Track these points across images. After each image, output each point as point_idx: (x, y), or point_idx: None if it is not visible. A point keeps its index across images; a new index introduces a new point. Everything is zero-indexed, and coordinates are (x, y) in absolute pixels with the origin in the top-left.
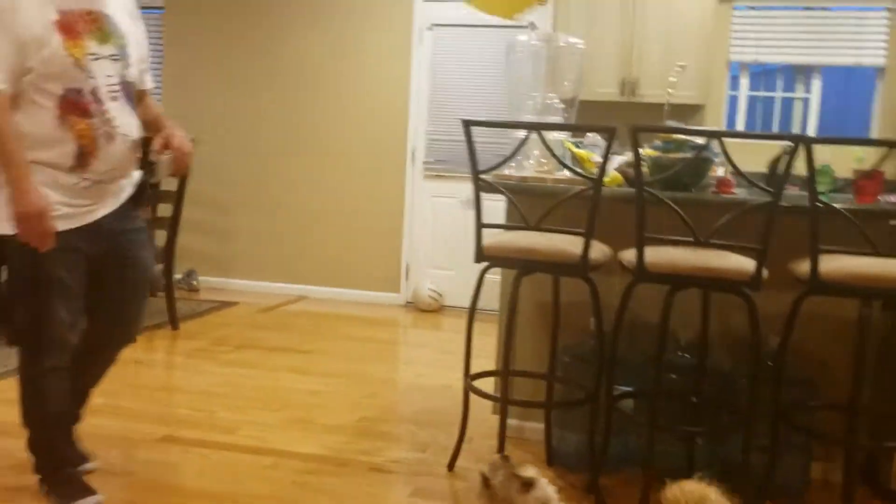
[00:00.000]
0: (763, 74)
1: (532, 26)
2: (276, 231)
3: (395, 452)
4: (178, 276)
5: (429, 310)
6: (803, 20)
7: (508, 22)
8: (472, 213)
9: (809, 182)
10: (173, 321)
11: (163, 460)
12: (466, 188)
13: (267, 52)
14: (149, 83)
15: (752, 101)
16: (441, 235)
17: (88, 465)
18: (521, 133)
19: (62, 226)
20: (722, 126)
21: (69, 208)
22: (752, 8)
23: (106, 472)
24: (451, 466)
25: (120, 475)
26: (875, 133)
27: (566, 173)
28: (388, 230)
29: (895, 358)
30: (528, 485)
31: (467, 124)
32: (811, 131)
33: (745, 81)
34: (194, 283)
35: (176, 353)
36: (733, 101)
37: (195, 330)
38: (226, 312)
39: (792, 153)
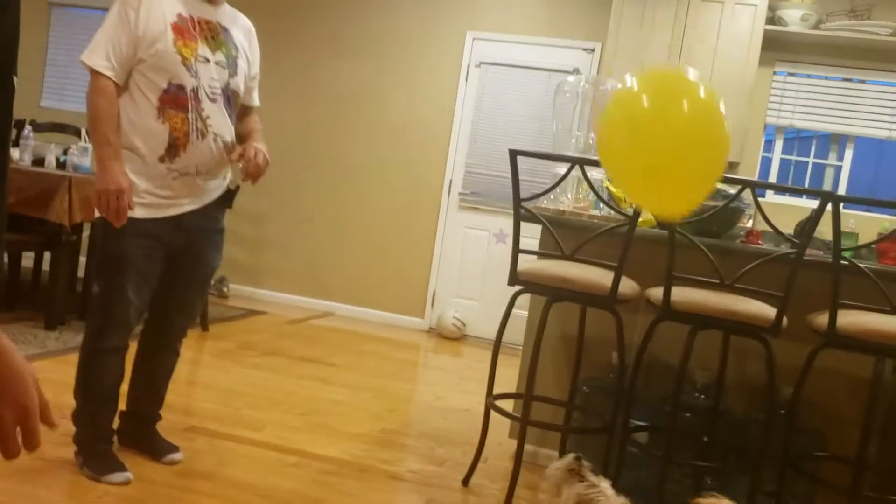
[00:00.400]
0: (797, 139)
1: (576, 72)
2: (308, 246)
3: (412, 464)
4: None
5: (451, 337)
6: (840, 90)
7: (552, 65)
8: (502, 246)
9: (834, 237)
10: (203, 323)
11: (189, 447)
12: (498, 221)
13: (319, 71)
14: (256, 101)
15: (785, 164)
16: (469, 266)
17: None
18: (561, 169)
19: (146, 214)
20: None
21: (154, 198)
22: (792, 74)
23: (133, 454)
24: (466, 482)
25: (147, 457)
26: None
27: (601, 211)
28: (418, 256)
29: None
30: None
31: (514, 154)
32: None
33: (779, 144)
34: (225, 289)
35: (204, 352)
36: (766, 163)
37: (224, 333)
38: (254, 320)
39: (820, 210)
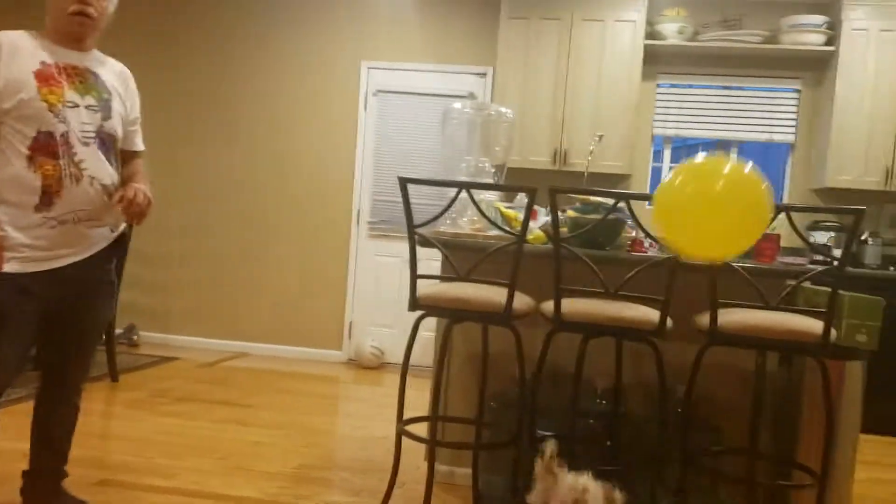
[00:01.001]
0: (684, 148)
1: (471, 96)
2: (218, 288)
3: (329, 497)
4: (118, 330)
5: (370, 366)
6: (721, 98)
7: (447, 90)
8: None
9: None
10: (113, 374)
11: (100, 501)
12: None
13: (213, 107)
14: (139, 145)
15: None
16: (383, 293)
17: None
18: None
19: (19, 268)
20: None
21: (31, 251)
22: (674, 85)
23: None
24: None
25: None
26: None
27: (497, 231)
28: (332, 288)
29: (792, 406)
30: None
31: (403, 181)
32: None
33: (667, 154)
34: (135, 337)
35: (115, 404)
36: (657, 173)
37: (135, 382)
38: (166, 367)
39: None
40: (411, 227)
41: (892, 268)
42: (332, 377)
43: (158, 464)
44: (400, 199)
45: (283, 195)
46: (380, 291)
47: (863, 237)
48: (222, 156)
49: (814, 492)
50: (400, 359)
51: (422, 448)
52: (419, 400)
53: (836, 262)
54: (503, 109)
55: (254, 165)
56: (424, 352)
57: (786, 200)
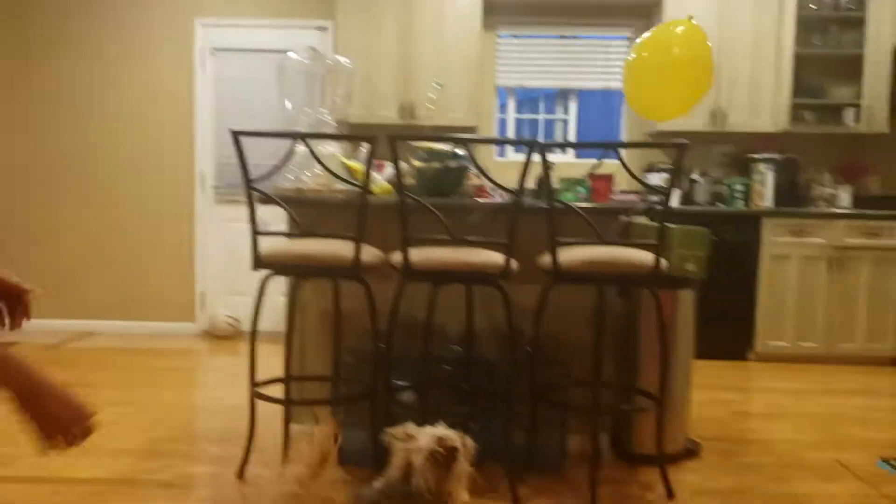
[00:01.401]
0: (527, 99)
1: (312, 50)
2: (58, 264)
3: (184, 468)
4: None
5: (226, 336)
6: (559, 48)
7: (287, 46)
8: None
9: (546, 181)
10: None
11: None
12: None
13: (42, 72)
14: None
15: (520, 123)
16: (235, 260)
17: None
18: (300, 147)
19: None
20: (492, 147)
21: None
22: (515, 36)
23: None
24: (240, 475)
25: None
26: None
27: (342, 185)
28: (179, 258)
29: (632, 337)
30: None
31: (235, 134)
32: (570, 150)
33: (511, 105)
34: None
35: None
36: (502, 124)
37: None
38: None
39: (528, 157)
40: (248, 182)
41: (719, 204)
42: (185, 350)
43: None
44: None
45: (119, 162)
46: (231, 259)
47: (693, 177)
48: (52, 121)
49: (654, 413)
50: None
51: (282, 412)
52: (279, 365)
53: (662, 194)
54: (341, 59)
55: (85, 131)
56: (282, 317)
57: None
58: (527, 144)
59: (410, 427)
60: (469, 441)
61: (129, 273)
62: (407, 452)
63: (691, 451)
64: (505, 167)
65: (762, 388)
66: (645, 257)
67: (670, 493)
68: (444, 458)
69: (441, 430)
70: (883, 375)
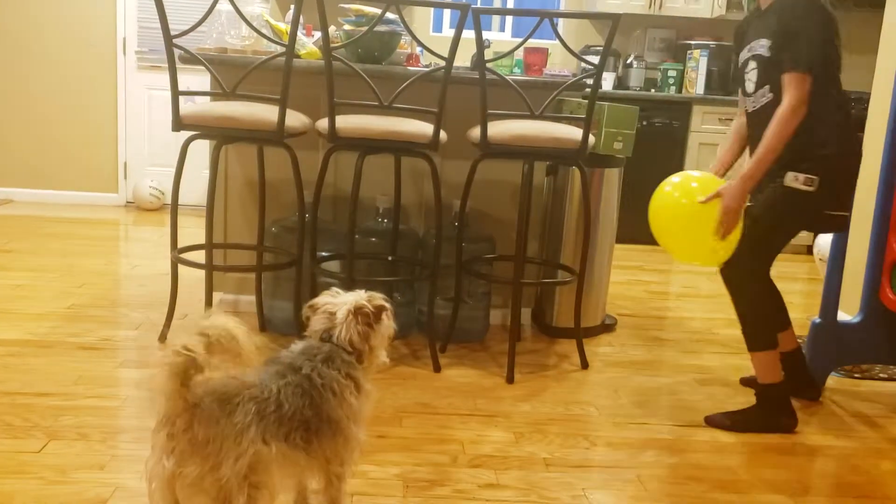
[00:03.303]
0: None
1: None
2: None
3: (105, 332)
4: None
5: (151, 208)
6: None
7: None
8: (192, 105)
9: (478, 50)
10: None
11: None
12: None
13: None
14: None
15: None
16: (160, 130)
17: None
18: (224, 6)
19: None
20: (429, 21)
21: None
22: None
23: None
24: (162, 338)
25: None
26: (561, 26)
27: (271, 47)
28: (101, 126)
29: (557, 214)
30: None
31: None
32: (507, 28)
33: None
34: None
35: None
36: None
37: None
38: None
39: (461, 22)
40: (168, 38)
41: (653, 89)
42: (108, 220)
43: None
44: (172, 26)
45: (31, 25)
46: (155, 129)
47: (628, 61)
48: None
49: (574, 288)
50: (184, 199)
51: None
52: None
53: (594, 68)
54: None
55: None
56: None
57: (560, 26)
58: (461, 9)
59: (335, 290)
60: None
61: (49, 140)
62: (331, 307)
63: (608, 326)
64: (440, 42)
65: (681, 270)
66: (575, 133)
67: (585, 364)
68: (370, 314)
69: (367, 293)
70: (798, 262)
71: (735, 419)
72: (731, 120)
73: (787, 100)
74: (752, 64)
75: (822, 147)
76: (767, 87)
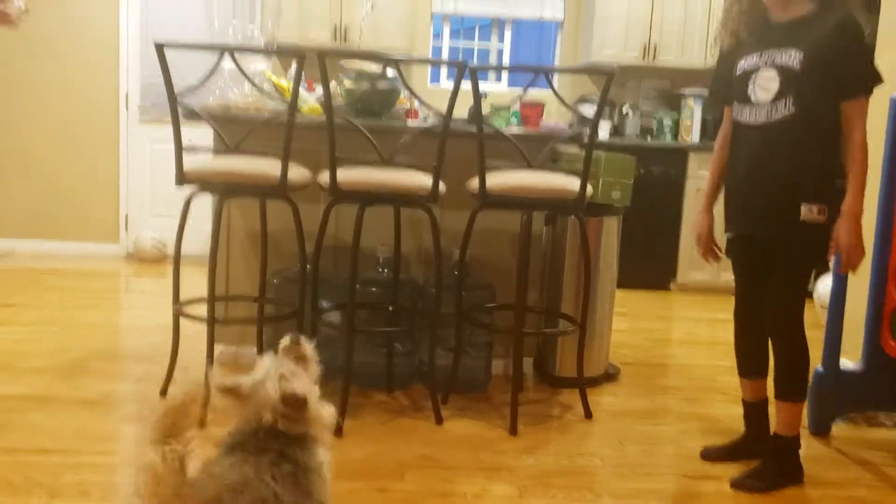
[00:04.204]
0: (462, 28)
1: None
2: None
3: (105, 386)
4: None
5: (152, 259)
6: None
7: None
8: (193, 158)
9: (475, 104)
10: None
11: None
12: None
13: None
14: None
15: (454, 51)
16: (162, 182)
17: None
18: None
19: None
20: (426, 75)
21: None
22: None
23: None
24: (163, 392)
25: None
26: (556, 78)
27: (273, 103)
28: (103, 179)
29: (557, 263)
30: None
31: (160, 46)
32: (503, 80)
33: (446, 32)
34: None
35: None
36: (437, 51)
37: None
38: None
39: (458, 79)
40: (172, 96)
41: (649, 137)
42: (109, 272)
43: None
44: (174, 81)
45: (42, 79)
46: (157, 181)
47: (624, 111)
48: None
49: (576, 337)
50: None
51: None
52: (205, 288)
53: (590, 121)
54: None
55: (6, 47)
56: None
57: (555, 77)
58: (457, 66)
59: (240, 378)
60: (310, 350)
61: (51, 192)
62: (254, 410)
63: (611, 375)
64: (437, 95)
65: (682, 317)
66: (571, 184)
67: (588, 414)
68: (292, 411)
69: (277, 367)
70: None
71: (763, 480)
72: None
73: (860, 128)
74: (770, 73)
75: (829, 175)
76: (790, 99)
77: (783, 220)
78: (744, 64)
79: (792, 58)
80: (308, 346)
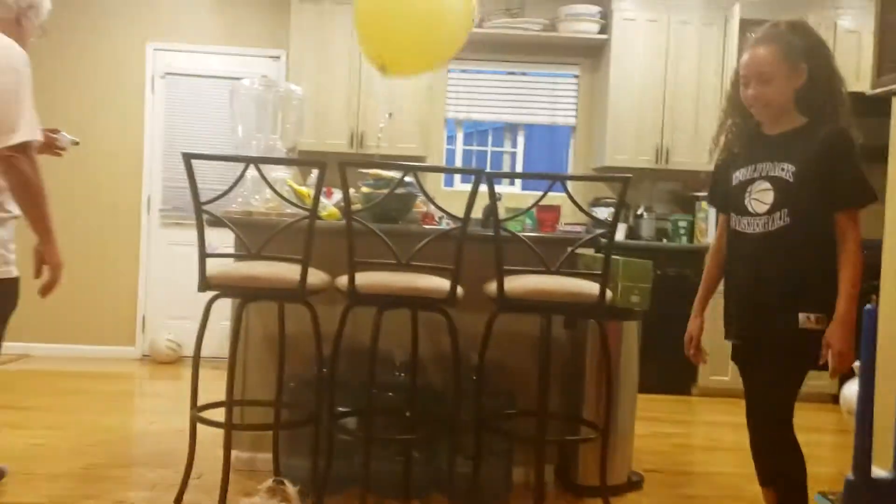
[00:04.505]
0: (475, 132)
1: (264, 77)
2: None
3: (120, 494)
4: None
5: (167, 361)
6: (507, 83)
7: (240, 73)
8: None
9: (493, 209)
10: None
11: None
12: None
13: None
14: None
15: (468, 155)
16: (180, 284)
17: None
18: (250, 172)
19: None
20: (441, 177)
21: None
22: (464, 70)
23: None
24: (178, 500)
25: None
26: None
27: (291, 209)
28: (122, 280)
29: (577, 367)
30: None
31: (187, 157)
32: (517, 182)
33: (460, 137)
34: None
35: None
36: (451, 155)
37: None
38: None
39: (475, 185)
40: (198, 204)
41: (664, 239)
42: (124, 374)
43: None
44: None
45: (64, 182)
46: (175, 283)
47: (639, 212)
48: None
49: (598, 444)
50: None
51: (220, 437)
52: (221, 390)
53: (607, 226)
54: (293, 87)
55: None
56: (227, 341)
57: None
58: (474, 173)
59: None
60: (293, 491)
61: (68, 296)
62: None
63: (634, 483)
64: (452, 197)
65: (704, 421)
66: (590, 288)
67: None
68: None
69: None
70: (823, 412)
71: None
72: None
73: (853, 238)
74: (765, 185)
75: (828, 283)
76: (786, 210)
77: (781, 328)
78: (739, 175)
79: (785, 171)
80: (291, 488)
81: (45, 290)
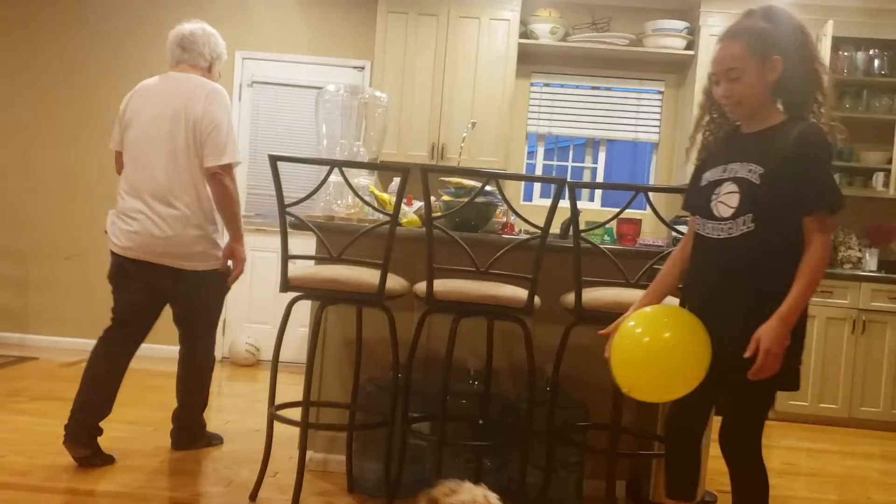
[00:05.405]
0: (556, 147)
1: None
2: (78, 283)
3: (198, 487)
4: None
5: (246, 364)
6: (591, 98)
7: (325, 83)
8: (292, 266)
9: (573, 219)
10: None
11: None
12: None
13: (69, 102)
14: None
15: (548, 169)
16: (260, 289)
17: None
18: (333, 177)
19: None
20: (520, 191)
21: None
22: (547, 84)
23: None
24: (253, 497)
25: None
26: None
27: (374, 215)
28: None
29: None
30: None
31: (273, 159)
32: (596, 198)
33: (540, 151)
34: None
35: None
36: (531, 169)
37: None
38: (23, 367)
39: (557, 194)
40: (282, 206)
41: None
42: None
43: (10, 461)
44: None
45: None
46: (255, 288)
47: None
48: (80, 149)
49: None
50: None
51: (297, 439)
52: (298, 394)
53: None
54: (378, 93)
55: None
56: (304, 346)
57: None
58: (556, 183)
59: (452, 483)
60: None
61: None
62: None
63: (707, 503)
64: (531, 211)
65: (781, 446)
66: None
67: None
68: None
69: (481, 490)
70: (878, 438)
71: None
72: (829, 292)
73: (820, 243)
74: (731, 187)
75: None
76: (750, 215)
77: (744, 343)
78: (708, 176)
79: (752, 172)
80: (493, 497)
81: (232, 280)
